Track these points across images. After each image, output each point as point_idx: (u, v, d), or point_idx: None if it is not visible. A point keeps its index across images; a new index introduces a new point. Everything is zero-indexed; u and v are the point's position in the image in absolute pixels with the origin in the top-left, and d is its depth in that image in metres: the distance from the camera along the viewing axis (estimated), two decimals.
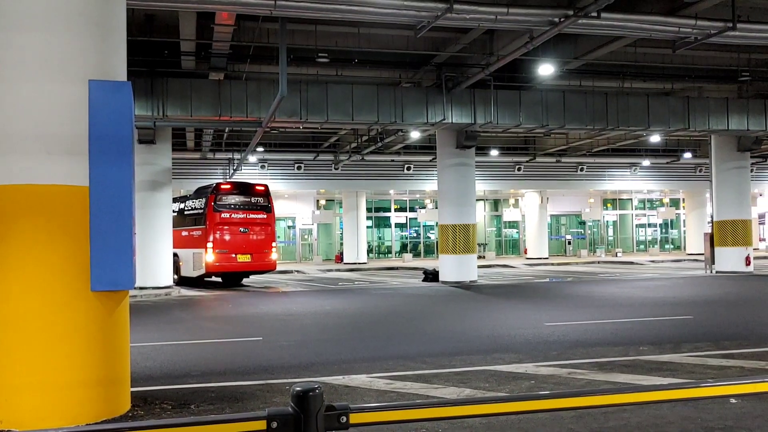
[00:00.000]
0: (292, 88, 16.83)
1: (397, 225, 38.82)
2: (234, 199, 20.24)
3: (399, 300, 15.96)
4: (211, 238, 19.64)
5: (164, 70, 16.94)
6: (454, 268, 20.38)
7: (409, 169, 31.14)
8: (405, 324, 11.69)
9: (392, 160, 30.74)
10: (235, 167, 27.30)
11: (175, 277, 21.13)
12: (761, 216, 44.52)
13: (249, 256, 20.04)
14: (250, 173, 29.11)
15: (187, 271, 20.81)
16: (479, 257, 27.22)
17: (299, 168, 30.02)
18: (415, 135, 24.54)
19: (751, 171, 24.65)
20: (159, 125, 17.17)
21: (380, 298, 16.64)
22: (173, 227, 21.53)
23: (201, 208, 20.50)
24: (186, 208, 21.79)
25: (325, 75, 18.83)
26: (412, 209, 38.05)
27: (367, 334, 10.60)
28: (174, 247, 21.29)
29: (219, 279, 21.59)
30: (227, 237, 19.86)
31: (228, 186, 20.63)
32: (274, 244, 20.67)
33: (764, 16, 15.29)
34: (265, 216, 20.59)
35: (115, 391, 5.57)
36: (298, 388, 2.15)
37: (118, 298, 5.62)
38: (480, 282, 20.51)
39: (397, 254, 38.09)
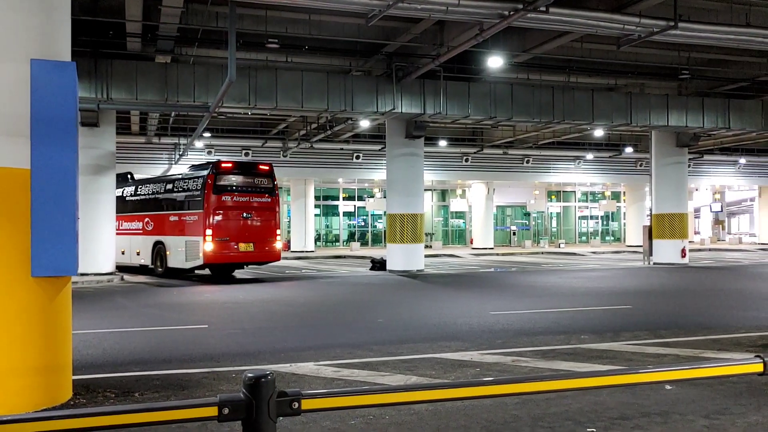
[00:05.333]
0: (241, 73, 16.61)
1: (346, 213, 38.80)
2: (236, 180, 17.83)
3: (346, 288, 15.99)
4: (210, 224, 17.15)
5: (109, 52, 16.50)
6: (401, 257, 20.53)
7: (358, 157, 31.11)
8: (352, 312, 11.73)
9: (341, 149, 30.66)
10: (181, 152, 26.80)
11: (160, 269, 18.99)
12: (696, 210, 46.20)
13: (252, 244, 17.64)
14: (196, 159, 28.57)
15: (178, 261, 18.27)
16: (426, 247, 27.44)
17: (247, 155, 29.62)
18: (364, 124, 24.53)
19: (689, 167, 25.49)
20: (103, 107, 16.70)
21: (328, 286, 16.64)
22: (157, 211, 19.46)
23: (197, 190, 17.79)
24: (175, 189, 18.99)
25: (274, 61, 18.62)
26: (360, 198, 38.07)
27: (315, 322, 10.60)
28: (158, 234, 19.23)
29: (205, 270, 19.24)
30: (228, 223, 17.43)
31: (229, 164, 18.13)
32: (278, 232, 18.36)
33: (704, 16, 15.81)
34: (269, 199, 18.16)
35: (56, 379, 5.45)
36: (250, 375, 2.16)
37: (60, 284, 5.48)
38: (427, 271, 20.70)
39: (344, 243, 38.07)
